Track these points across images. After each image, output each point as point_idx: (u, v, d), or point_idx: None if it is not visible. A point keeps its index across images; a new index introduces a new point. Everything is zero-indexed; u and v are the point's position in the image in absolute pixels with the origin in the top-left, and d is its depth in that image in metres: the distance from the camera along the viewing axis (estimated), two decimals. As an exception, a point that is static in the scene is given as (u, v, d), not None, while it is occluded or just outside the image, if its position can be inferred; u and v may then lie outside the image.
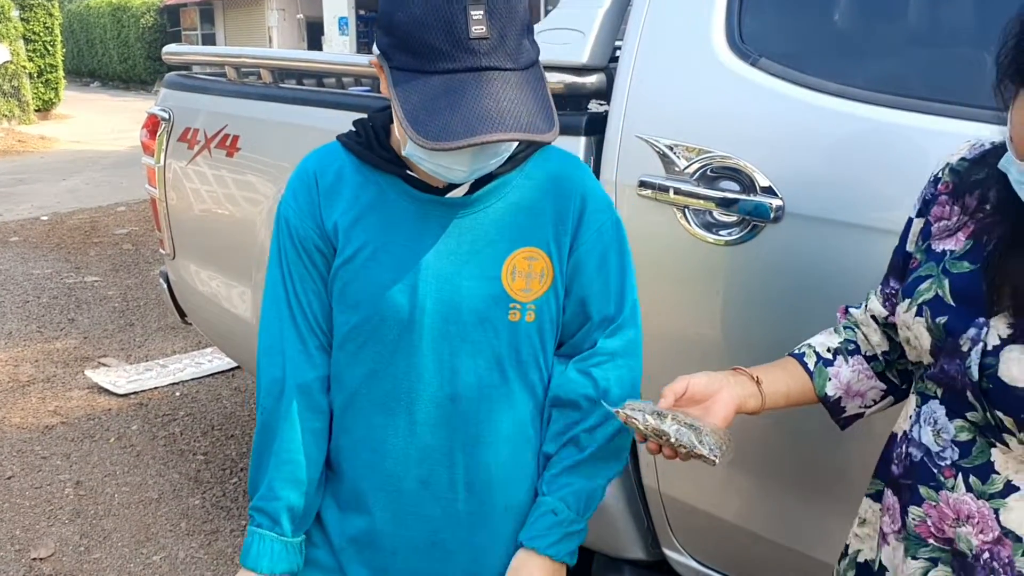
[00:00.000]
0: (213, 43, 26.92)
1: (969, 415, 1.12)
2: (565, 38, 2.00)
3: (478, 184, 1.36)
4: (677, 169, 1.79)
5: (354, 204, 1.38)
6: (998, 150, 1.12)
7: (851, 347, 1.34)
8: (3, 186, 10.70)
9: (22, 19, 18.13)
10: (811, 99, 1.66)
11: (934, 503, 1.15)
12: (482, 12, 1.15)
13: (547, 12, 2.13)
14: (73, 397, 4.52)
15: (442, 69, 1.17)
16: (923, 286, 1.16)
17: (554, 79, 1.99)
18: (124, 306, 6.03)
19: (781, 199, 1.66)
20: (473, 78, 1.16)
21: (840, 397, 1.33)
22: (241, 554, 1.44)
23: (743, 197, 1.70)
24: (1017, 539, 1.08)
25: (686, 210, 1.79)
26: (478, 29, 1.15)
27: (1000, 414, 1.07)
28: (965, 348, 1.09)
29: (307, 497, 1.43)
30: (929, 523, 1.16)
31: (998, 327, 1.07)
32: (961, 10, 1.73)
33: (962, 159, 1.22)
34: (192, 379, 4.73)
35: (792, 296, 1.67)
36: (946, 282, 1.14)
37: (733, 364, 1.39)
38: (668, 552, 2.04)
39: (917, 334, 1.16)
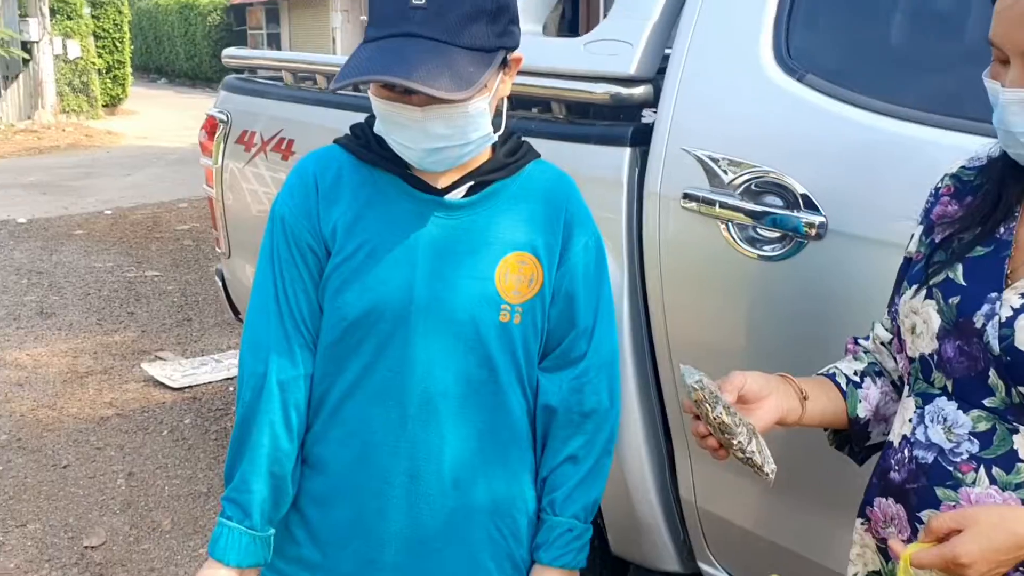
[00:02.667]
0: (278, 43, 27.34)
1: (987, 402, 1.13)
2: (613, 49, 2.01)
3: (475, 189, 1.41)
4: (722, 182, 1.79)
5: (353, 203, 1.42)
6: (995, 160, 1.18)
7: (876, 369, 1.36)
8: (70, 180, 10.98)
9: (93, 16, 18.59)
10: (857, 116, 1.65)
11: (953, 503, 1.14)
12: None
13: (605, 14, 2.15)
14: (129, 389, 4.63)
15: (382, 35, 1.29)
16: (932, 270, 1.19)
17: (601, 90, 2.01)
18: (183, 301, 6.16)
19: (824, 216, 1.65)
20: (403, 40, 1.26)
21: (869, 420, 1.33)
22: (209, 544, 1.46)
23: (786, 213, 1.69)
24: None
25: (730, 224, 1.79)
26: (418, 1, 1.26)
27: (1022, 390, 1.08)
28: (979, 324, 1.12)
29: (278, 491, 1.45)
30: None
31: (1010, 299, 1.11)
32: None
33: (962, 167, 1.27)
34: (245, 375, 4.81)
35: (834, 314, 1.66)
36: (959, 266, 1.17)
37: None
38: (703, 565, 2.03)
39: (926, 317, 1.18)
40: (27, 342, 5.28)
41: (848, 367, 1.37)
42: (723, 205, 1.78)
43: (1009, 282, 1.12)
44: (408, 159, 1.37)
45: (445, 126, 1.31)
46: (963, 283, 1.16)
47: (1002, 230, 1.16)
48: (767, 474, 1.21)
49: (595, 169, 2.01)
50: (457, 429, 1.44)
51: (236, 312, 3.55)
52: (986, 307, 1.12)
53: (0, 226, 8.26)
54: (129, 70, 20.11)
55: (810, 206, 1.67)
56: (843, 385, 1.34)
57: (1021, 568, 1.09)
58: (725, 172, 1.79)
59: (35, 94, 16.56)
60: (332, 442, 1.48)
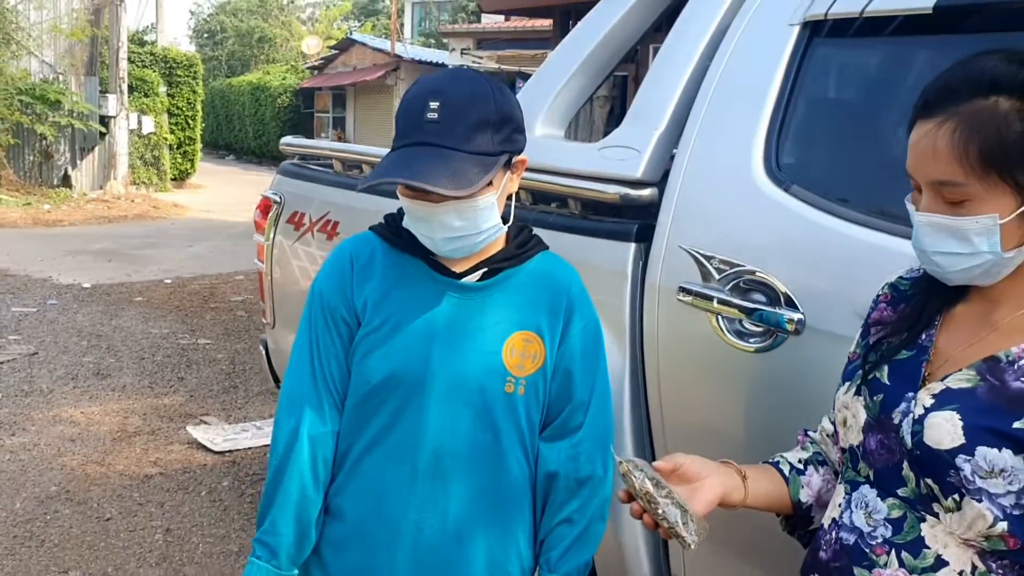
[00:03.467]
0: (343, 126, 28.23)
1: (900, 491, 1.27)
2: (623, 155, 2.21)
3: (488, 274, 1.63)
4: (714, 279, 1.97)
5: (383, 282, 1.64)
6: (925, 274, 1.34)
7: (820, 459, 1.50)
8: (134, 249, 11.46)
9: (168, 95, 19.48)
10: (834, 224, 1.82)
11: None
12: (437, 104, 1.50)
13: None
14: (173, 450, 4.84)
15: (402, 144, 1.53)
16: (865, 370, 1.35)
17: (611, 190, 2.21)
18: (231, 369, 6.41)
19: (802, 313, 1.81)
20: (418, 149, 1.49)
21: (811, 505, 1.47)
22: None
23: (768, 309, 1.86)
24: None
25: (719, 317, 1.95)
26: (431, 115, 1.50)
27: (929, 481, 1.22)
28: (896, 420, 1.26)
29: (303, 536, 1.64)
30: None
31: (923, 399, 1.24)
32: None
33: (900, 277, 1.43)
34: (283, 442, 5.00)
35: (808, 404, 1.80)
36: (885, 367, 1.32)
37: (757, 460, 1.54)
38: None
39: (855, 412, 1.33)
40: (82, 401, 5.55)
41: (793, 456, 1.52)
42: (714, 299, 1.95)
43: (925, 383, 1.27)
44: (430, 247, 1.59)
45: (458, 218, 1.52)
46: (887, 382, 1.31)
47: (924, 337, 1.32)
48: (689, 544, 1.33)
49: (604, 261, 2.20)
50: (461, 487, 1.61)
51: (276, 380, 3.76)
52: (903, 405, 1.27)
53: (66, 290, 8.66)
54: (199, 146, 20.93)
55: (790, 304, 1.83)
56: (786, 472, 1.49)
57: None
58: (717, 270, 1.96)
59: (109, 165, 17.33)
60: (351, 494, 1.66)
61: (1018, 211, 1.16)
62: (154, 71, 18.98)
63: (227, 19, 38.20)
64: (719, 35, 2.18)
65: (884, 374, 1.32)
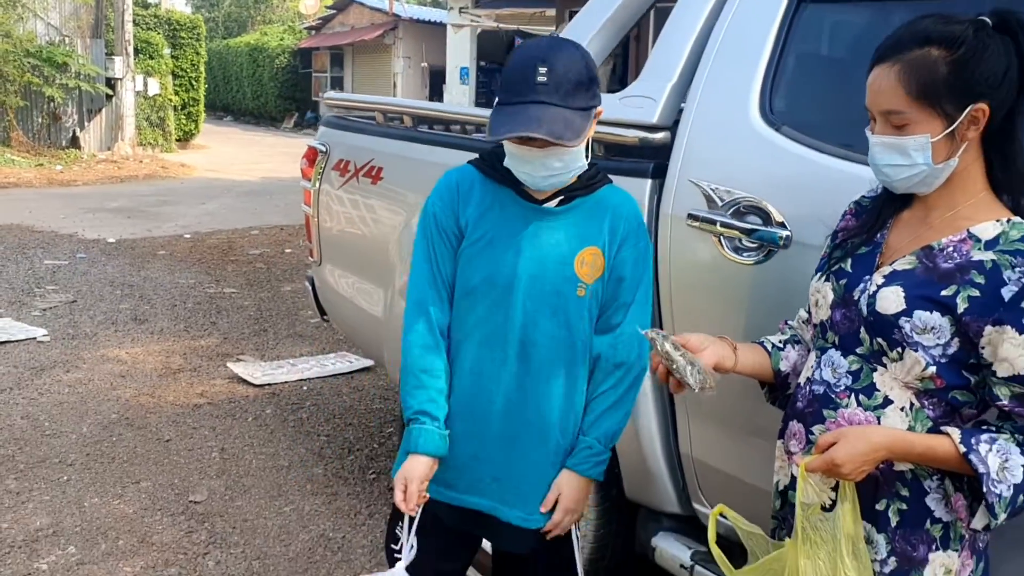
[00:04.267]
0: (341, 85, 28.39)
1: (858, 350, 1.69)
2: (640, 103, 2.61)
3: (563, 201, 2.02)
4: (717, 206, 2.37)
5: (480, 205, 2.05)
6: (882, 191, 1.76)
7: (796, 339, 1.93)
8: (150, 206, 11.83)
9: (172, 56, 19.70)
10: (817, 158, 2.22)
11: (833, 419, 1.71)
12: (545, 68, 1.86)
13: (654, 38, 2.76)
14: (216, 384, 5.28)
15: (517, 101, 1.87)
16: (831, 262, 1.78)
17: (631, 134, 2.61)
18: (258, 315, 6.83)
19: (789, 231, 2.22)
20: (534, 106, 1.86)
21: (788, 374, 1.89)
22: (406, 445, 2.01)
23: (764, 228, 2.27)
24: None
25: (722, 238, 2.36)
26: (541, 78, 1.86)
27: (880, 340, 1.64)
28: (856, 297, 1.69)
29: (445, 403, 2.05)
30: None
31: (876, 279, 1.67)
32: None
33: (863, 196, 1.85)
34: (317, 377, 5.45)
35: (795, 303, 2.21)
36: (849, 260, 1.75)
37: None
38: (696, 506, 2.58)
39: (824, 294, 1.76)
40: (125, 343, 5.97)
41: (776, 337, 1.94)
42: (717, 223, 2.36)
43: (878, 269, 1.70)
44: (528, 183, 1.98)
45: (558, 160, 1.93)
46: (849, 270, 1.74)
47: (879, 236, 1.75)
48: (693, 388, 1.75)
49: (624, 195, 2.60)
50: (541, 370, 2.04)
51: (323, 312, 4.18)
52: (861, 285, 1.69)
53: (92, 244, 9.06)
54: (202, 107, 21.15)
55: (780, 224, 2.24)
56: (768, 347, 1.92)
57: (881, 465, 1.64)
58: (720, 198, 2.37)
59: (116, 127, 17.61)
60: (456, 374, 2.08)
61: (945, 132, 1.57)
62: (158, 33, 19.19)
63: (223, -21, 38.15)
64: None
65: (848, 264, 1.75)
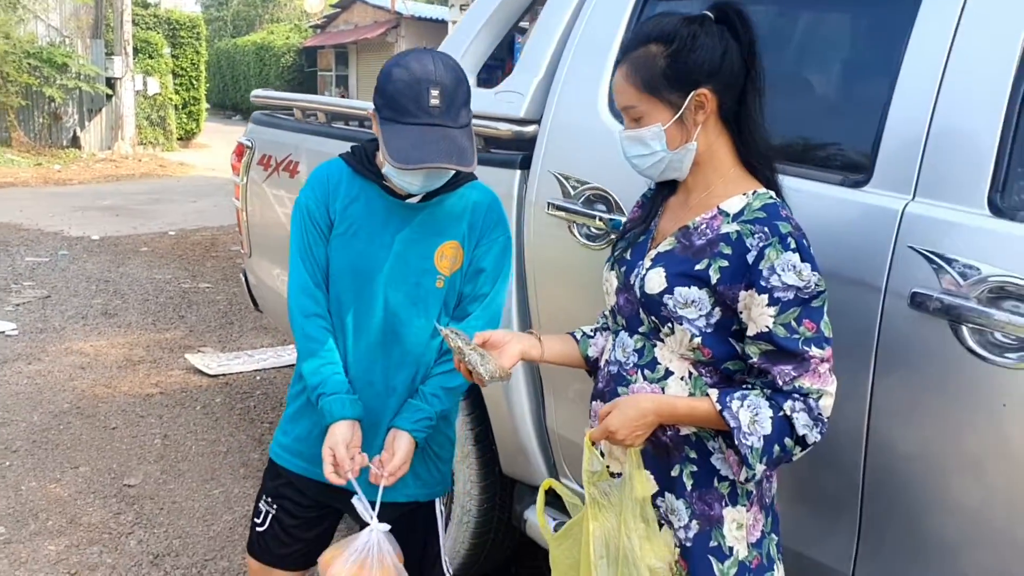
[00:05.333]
0: (346, 84, 28.61)
1: (640, 329, 1.82)
2: (511, 98, 2.74)
3: (427, 196, 2.14)
4: (571, 195, 2.50)
5: (346, 197, 2.17)
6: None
7: (607, 326, 2.03)
8: (141, 204, 12.02)
9: (172, 55, 19.93)
10: (653, 148, 2.34)
11: (626, 395, 1.82)
12: (438, 92, 1.95)
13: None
14: (172, 375, 5.44)
15: (411, 122, 1.97)
16: (616, 252, 1.91)
17: (503, 127, 2.74)
18: (228, 308, 6.99)
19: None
20: (430, 129, 1.96)
21: (597, 358, 2.01)
22: (327, 416, 2.09)
23: (607, 216, 2.39)
24: None
25: (574, 225, 2.49)
26: (434, 101, 1.95)
27: (653, 318, 1.77)
28: (632, 281, 1.81)
29: (341, 375, 2.15)
30: None
31: (645, 263, 1.80)
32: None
33: (649, 188, 1.97)
34: (272, 367, 5.60)
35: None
36: (630, 249, 1.88)
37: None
38: (562, 480, 2.71)
39: (611, 281, 1.89)
40: (91, 336, 6.14)
41: (588, 327, 2.06)
42: (571, 211, 2.49)
43: (647, 254, 1.82)
44: (407, 189, 2.08)
45: (438, 176, 2.06)
46: (628, 258, 1.87)
47: (652, 224, 1.88)
48: (483, 381, 1.86)
49: (500, 185, 2.73)
50: (404, 357, 2.17)
51: (255, 304, 4.32)
52: (636, 270, 1.82)
53: (76, 242, 9.24)
54: (204, 106, 21.36)
55: (620, 211, 2.37)
56: (578, 336, 2.04)
57: (667, 432, 1.77)
58: (573, 187, 2.49)
59: (116, 126, 17.83)
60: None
61: (674, 119, 1.71)
62: (158, 33, 19.43)
63: (231, -21, 38.44)
64: (586, -3, 2.69)
65: (628, 254, 1.88)
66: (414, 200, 2.14)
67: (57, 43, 16.95)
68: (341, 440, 2.07)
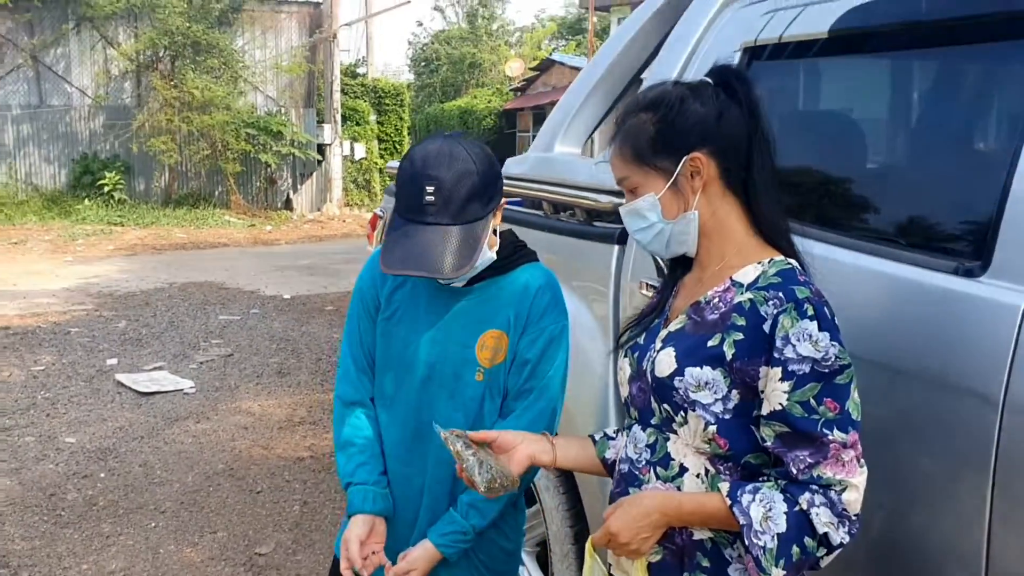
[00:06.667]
0: (544, 143, 29.01)
1: (652, 421, 1.60)
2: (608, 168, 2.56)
3: (476, 279, 1.99)
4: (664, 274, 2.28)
5: (395, 281, 2.06)
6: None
7: (629, 426, 1.80)
8: (336, 263, 12.53)
9: (378, 122, 20.93)
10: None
11: None
12: (433, 188, 1.81)
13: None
14: (327, 438, 5.50)
15: (408, 218, 1.85)
16: (629, 339, 1.71)
17: (604, 199, 2.55)
18: (393, 370, 7.05)
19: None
20: (420, 228, 1.83)
21: (615, 460, 1.77)
22: (348, 508, 2.01)
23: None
24: None
25: (667, 306, 2.27)
26: (429, 198, 1.81)
27: (665, 405, 1.55)
28: (645, 367, 1.61)
29: (377, 467, 2.04)
30: None
31: (656, 345, 1.60)
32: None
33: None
34: (422, 434, 5.56)
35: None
36: (644, 334, 1.67)
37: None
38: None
39: (624, 370, 1.69)
40: (261, 395, 6.35)
41: (611, 429, 1.84)
42: (664, 291, 2.27)
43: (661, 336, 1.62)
44: (438, 279, 1.95)
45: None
46: (641, 343, 1.66)
47: (667, 306, 1.68)
48: (478, 488, 1.67)
49: (598, 261, 2.55)
50: (440, 453, 1.96)
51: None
52: (648, 355, 1.61)
53: (269, 300, 9.70)
54: (407, 169, 22.23)
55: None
56: (597, 438, 1.82)
57: (682, 534, 1.54)
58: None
59: (325, 189, 18.85)
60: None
61: (667, 187, 1.54)
62: (364, 101, 20.48)
63: (441, 47, 40.14)
64: (691, 58, 2.49)
65: (642, 338, 1.68)
66: (458, 284, 1.98)
67: (273, 112, 18.14)
68: (355, 536, 1.95)
